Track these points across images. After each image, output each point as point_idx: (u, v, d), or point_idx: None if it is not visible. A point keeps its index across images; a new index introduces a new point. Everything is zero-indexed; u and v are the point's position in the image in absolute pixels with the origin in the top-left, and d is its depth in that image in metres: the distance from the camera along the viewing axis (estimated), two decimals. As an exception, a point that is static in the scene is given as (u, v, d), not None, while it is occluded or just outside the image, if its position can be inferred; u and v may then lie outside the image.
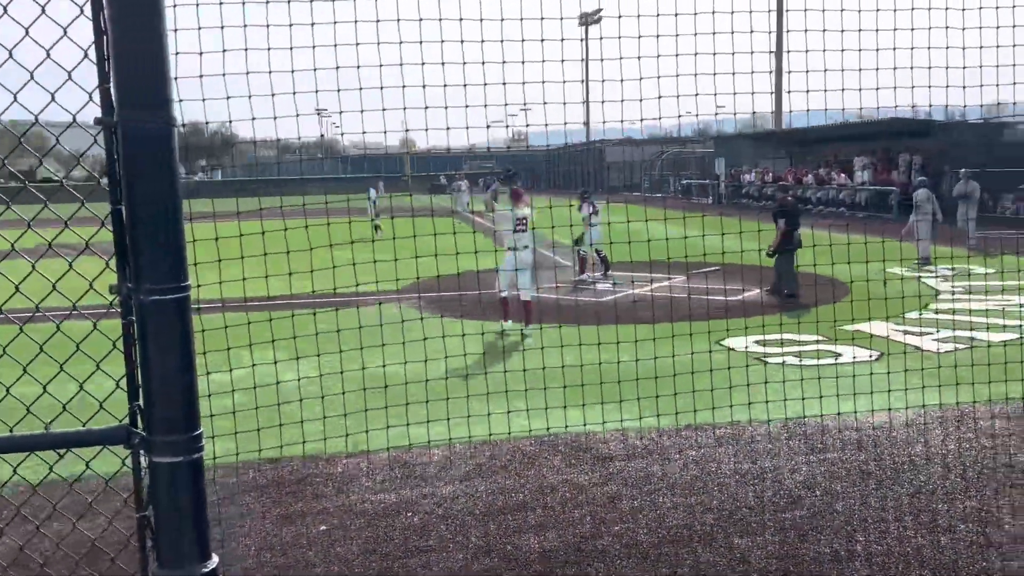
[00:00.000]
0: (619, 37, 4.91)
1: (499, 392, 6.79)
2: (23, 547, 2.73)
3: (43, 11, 1.92)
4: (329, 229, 5.91)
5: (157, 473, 1.97)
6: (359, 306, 7.72)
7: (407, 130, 5.96)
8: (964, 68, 5.55)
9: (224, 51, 4.08)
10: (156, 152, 1.89)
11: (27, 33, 1.93)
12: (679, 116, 5.75)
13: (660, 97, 5.13)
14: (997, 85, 5.91)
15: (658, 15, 4.85)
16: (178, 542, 2.00)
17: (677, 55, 5.04)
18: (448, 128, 4.99)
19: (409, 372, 7.01)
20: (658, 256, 8.65)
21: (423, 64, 4.70)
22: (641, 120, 5.75)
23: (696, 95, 5.31)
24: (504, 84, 4.94)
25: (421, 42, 4.68)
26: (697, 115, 5.96)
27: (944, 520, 5.23)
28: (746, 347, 10.09)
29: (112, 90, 1.88)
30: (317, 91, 4.74)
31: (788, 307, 13.03)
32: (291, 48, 4.33)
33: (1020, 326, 10.82)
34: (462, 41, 4.61)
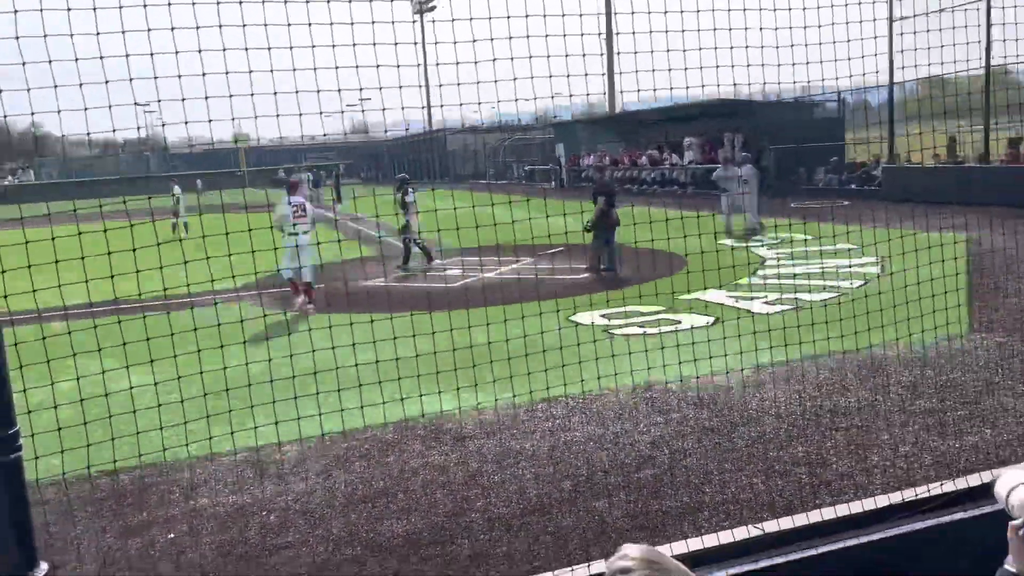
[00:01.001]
0: (452, 20, 4.89)
1: (351, 387, 6.66)
2: None
3: None
4: (155, 228, 5.58)
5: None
6: (193, 307, 7.33)
7: (233, 119, 5.64)
8: (778, 48, 5.93)
9: (17, 38, 3.73)
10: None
11: None
12: (515, 100, 5.81)
13: (496, 81, 5.15)
14: (808, 64, 6.36)
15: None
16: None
17: (510, 38, 5.07)
18: (278, 115, 4.79)
19: (254, 372, 6.76)
20: (505, 240, 8.75)
21: (247, 49, 4.47)
22: (480, 104, 5.75)
23: (531, 78, 5.37)
24: (336, 68, 4.81)
25: (244, 25, 4.45)
26: (535, 100, 6.04)
27: (779, 466, 5.62)
28: (593, 321, 10.42)
29: None
30: (132, 79, 4.41)
31: (621, 282, 13.56)
32: (97, 34, 4.00)
33: (838, 286, 11.78)
34: (289, 25, 4.43)
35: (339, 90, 5.00)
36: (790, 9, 5.73)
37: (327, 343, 6.08)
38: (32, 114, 4.19)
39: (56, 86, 4.04)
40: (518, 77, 5.29)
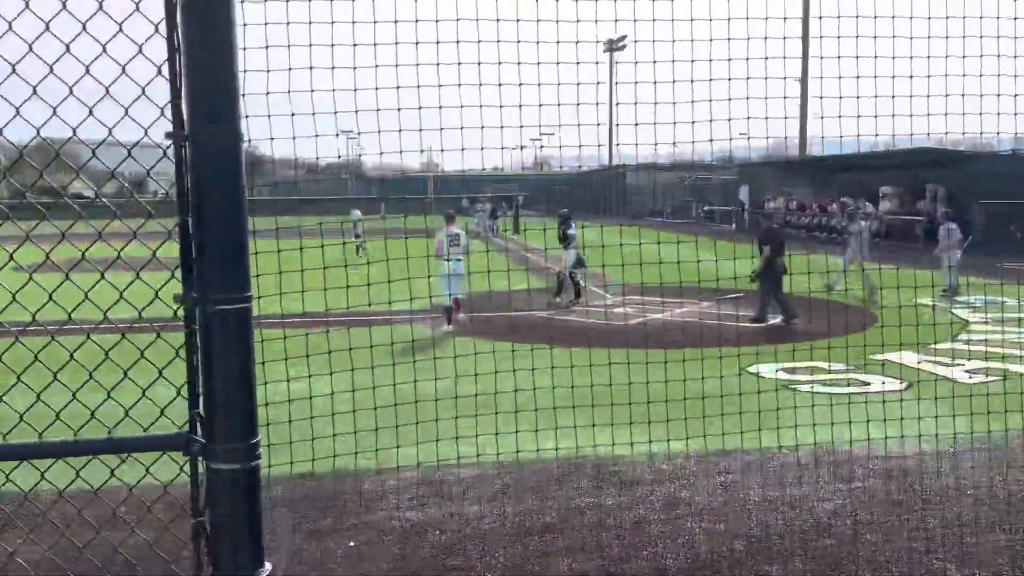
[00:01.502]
0: (640, 62, 4.94)
1: (527, 411, 6.79)
2: (82, 550, 2.77)
3: (120, 29, 1.99)
4: (344, 248, 5.96)
5: (216, 480, 2.01)
6: (391, 323, 7.76)
7: (423, 150, 5.94)
8: (997, 96, 5.53)
9: (245, 71, 4.13)
10: (224, 165, 1.95)
11: (104, 50, 2.00)
12: (711, 141, 5.76)
13: (683, 122, 5.14)
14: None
15: (692, 39, 4.86)
16: (234, 548, 2.04)
17: (690, 81, 5.04)
18: (463, 149, 5.00)
19: (439, 389, 7.03)
20: (677, 279, 8.64)
21: (440, 86, 4.71)
22: (658, 144, 5.75)
23: (714, 120, 5.31)
24: (520, 106, 4.96)
25: (438, 64, 4.68)
26: (711, 140, 5.95)
27: (977, 553, 5.16)
28: (775, 374, 10.03)
29: (183, 105, 1.94)
30: (336, 112, 4.77)
31: (806, 335, 12.95)
32: (310, 68, 4.35)
33: (1052, 359, 10.67)
34: (479, 63, 4.62)
35: (521, 126, 5.17)
36: (998, 56, 5.34)
37: (495, 368, 6.26)
38: (248, 141, 4.66)
39: (269, 115, 4.46)
40: (697, 120, 5.24)
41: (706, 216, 49.40)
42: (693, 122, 5.31)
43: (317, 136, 4.63)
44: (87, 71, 1.99)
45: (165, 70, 1.95)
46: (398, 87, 4.66)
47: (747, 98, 5.27)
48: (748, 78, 5.20)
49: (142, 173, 2.20)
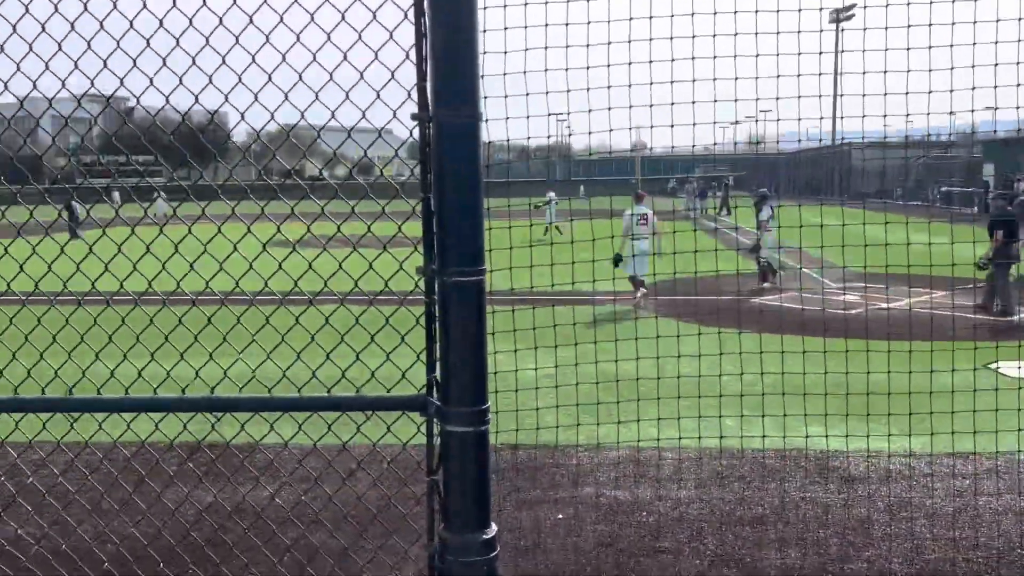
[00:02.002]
0: (870, 29, 4.58)
1: (731, 396, 6.58)
2: (331, 498, 3.05)
3: (374, 16, 2.14)
4: (531, 231, 6.05)
5: (449, 441, 2.13)
6: (594, 304, 7.82)
7: (631, 128, 5.82)
8: None
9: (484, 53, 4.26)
10: (465, 145, 2.04)
11: (360, 38, 2.16)
12: (951, 113, 5.26)
13: (917, 93, 4.72)
14: None
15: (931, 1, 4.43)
16: (463, 507, 2.15)
17: (928, 48, 4.59)
18: (672, 126, 4.88)
19: (642, 370, 6.99)
20: (919, 266, 7.98)
21: (650, 62, 4.61)
22: (885, 116, 5.31)
23: (954, 91, 4.81)
24: (735, 79, 4.76)
25: (650, 40, 4.57)
26: (952, 113, 5.40)
27: None
28: (1020, 372, 9.04)
29: (428, 88, 2.05)
30: (548, 92, 4.80)
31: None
32: (525, 50, 4.40)
33: None
34: (693, 37, 4.49)
35: (735, 100, 4.97)
36: None
37: (699, 351, 6.12)
38: (486, 120, 4.82)
39: (485, 97, 4.56)
40: (935, 90, 4.80)
41: (942, 198, 45.20)
42: (930, 92, 4.88)
43: (529, 117, 4.73)
44: (344, 58, 2.16)
45: (413, 55, 2.06)
46: (608, 64, 4.65)
47: (994, 64, 4.75)
48: (996, 42, 4.68)
49: (389, 154, 2.35)
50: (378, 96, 2.14)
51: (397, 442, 2.16)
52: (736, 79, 4.78)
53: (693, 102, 4.80)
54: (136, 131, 2.49)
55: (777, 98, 4.91)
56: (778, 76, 4.78)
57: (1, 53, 2.33)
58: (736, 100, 4.97)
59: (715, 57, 4.61)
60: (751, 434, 6.58)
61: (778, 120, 5.43)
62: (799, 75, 4.83)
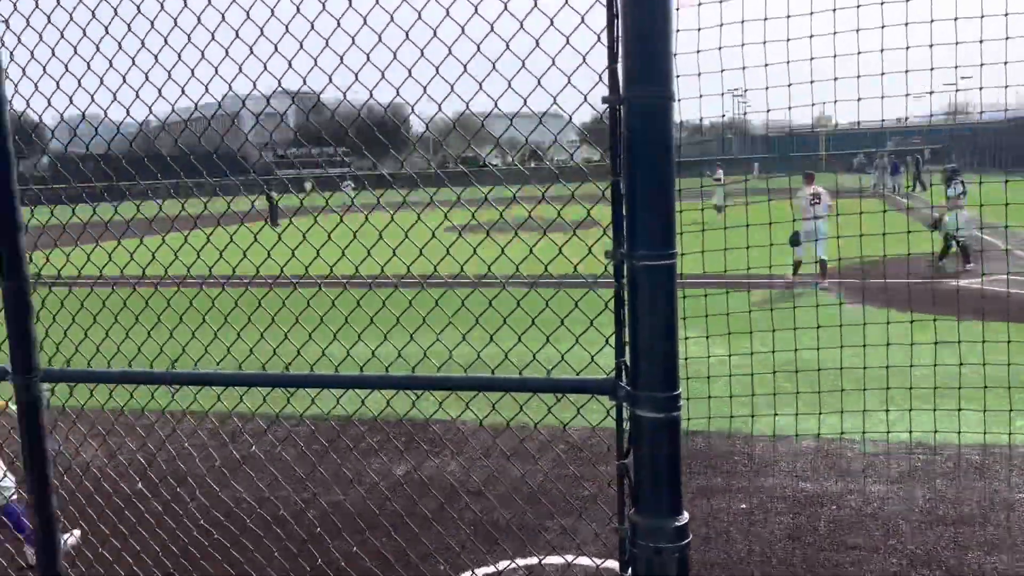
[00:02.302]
0: None
1: (924, 388, 6.10)
2: (523, 476, 3.14)
3: (566, 2, 2.15)
4: (703, 213, 5.80)
5: (638, 426, 2.12)
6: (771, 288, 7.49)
7: (813, 104, 5.45)
8: None
9: (678, 31, 4.16)
10: (656, 126, 2.01)
11: (551, 24, 2.18)
12: None
13: None
14: None
15: None
16: (654, 492, 2.14)
17: None
18: (859, 99, 4.55)
19: (826, 359, 6.65)
20: None
21: (834, 34, 4.31)
22: None
23: None
24: (931, 46, 4.37)
25: (834, 9, 4.28)
26: None
27: None
28: None
29: (619, 70, 2.04)
30: (723, 71, 4.59)
31: None
32: (698, 30, 4.22)
33: None
34: (882, 3, 4.15)
35: (931, 69, 4.56)
36: None
37: (887, 340, 5.72)
38: (678, 100, 4.70)
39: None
40: None
41: None
42: None
43: (701, 97, 4.57)
44: (536, 44, 2.18)
45: (604, 38, 2.06)
46: (787, 39, 4.41)
47: None
48: None
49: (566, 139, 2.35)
50: (569, 81, 2.16)
51: (587, 424, 2.18)
52: (931, 46, 4.41)
53: (882, 73, 4.49)
54: (339, 125, 2.64)
55: (981, 64, 4.49)
56: (981, 41, 4.36)
57: (203, 60, 2.53)
58: (932, 69, 4.60)
59: (907, 24, 4.27)
60: (947, 429, 6.10)
61: (981, 88, 4.97)
62: (1007, 38, 4.39)
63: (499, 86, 2.32)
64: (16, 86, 2.49)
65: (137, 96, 2.61)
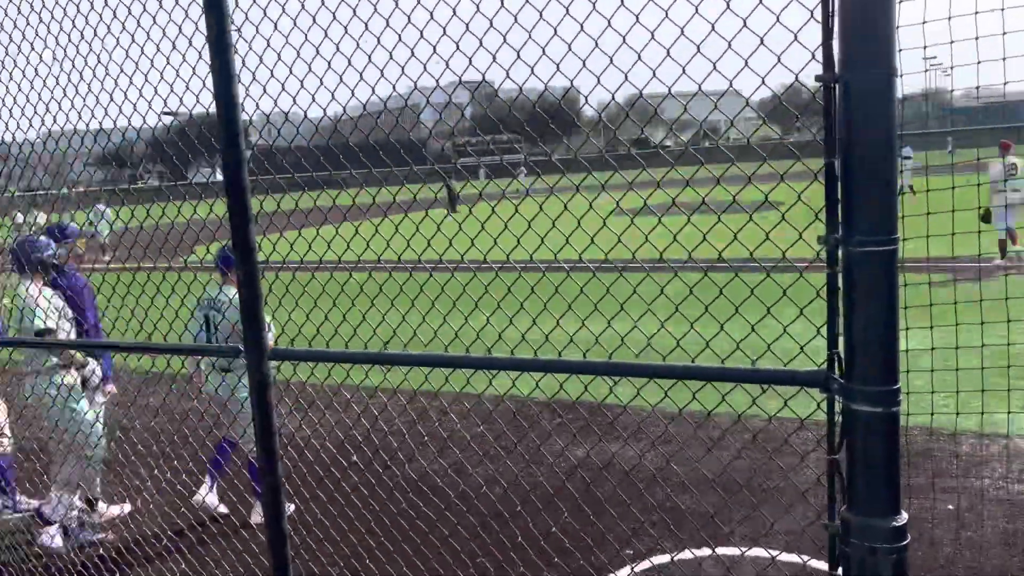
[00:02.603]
0: None
1: None
2: (726, 467, 3.10)
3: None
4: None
5: (853, 421, 2.02)
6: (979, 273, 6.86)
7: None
8: None
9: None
10: (877, 104, 1.90)
11: (761, 1, 2.10)
12: None
13: None
14: None
15: None
16: (869, 490, 2.04)
17: None
18: None
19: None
20: None
21: None
22: None
23: None
24: None
25: None
26: None
27: None
28: None
29: (835, 47, 1.94)
30: (925, 47, 4.21)
31: None
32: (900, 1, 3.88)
33: None
34: None
35: None
36: None
37: None
38: (900, 75, 4.43)
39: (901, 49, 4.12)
40: None
41: None
42: None
43: (902, 76, 4.23)
44: (744, 24, 2.12)
45: (818, 13, 1.97)
46: (1003, 8, 3.98)
47: None
48: None
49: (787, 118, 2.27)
50: (779, 60, 2.08)
51: (795, 417, 2.10)
52: None
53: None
54: (515, 115, 2.69)
55: None
56: None
57: (390, 60, 2.64)
58: None
59: None
60: None
61: None
62: None
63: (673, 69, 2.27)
64: (247, 89, 2.72)
65: (332, 97, 2.78)
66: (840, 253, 2.00)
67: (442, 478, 5.25)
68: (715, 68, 2.24)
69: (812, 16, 2.00)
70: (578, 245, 2.34)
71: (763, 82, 2.12)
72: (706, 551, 4.51)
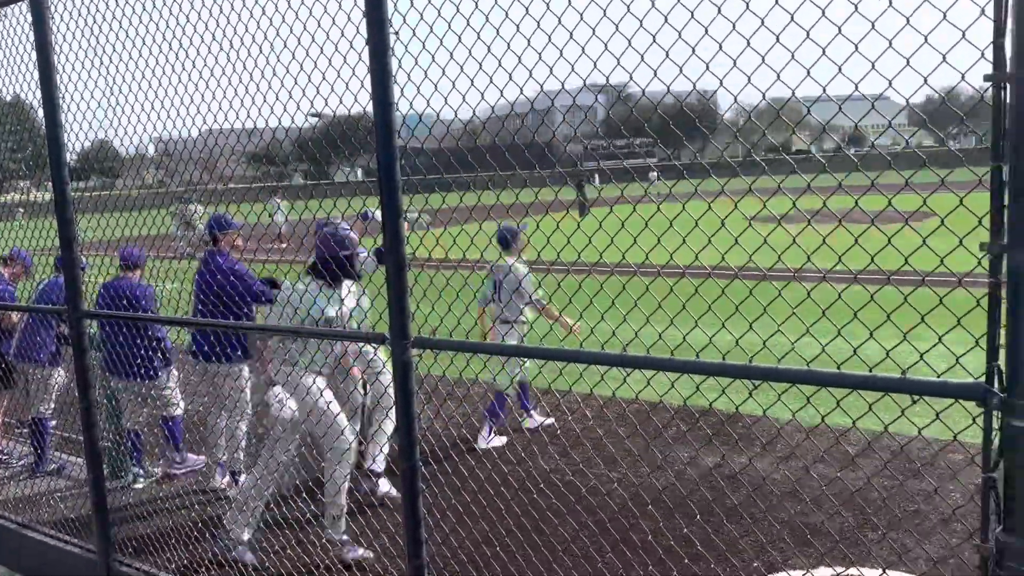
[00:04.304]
0: None
1: None
2: (868, 479, 3.00)
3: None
4: None
5: (1014, 437, 1.92)
6: None
7: None
8: None
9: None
10: (1053, 105, 1.80)
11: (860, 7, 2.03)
12: None
13: None
14: None
15: None
16: (1030, 511, 1.93)
17: None
18: None
19: None
20: None
21: None
22: None
23: None
24: None
25: None
26: None
27: None
28: None
29: (1007, 45, 1.85)
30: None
31: None
32: None
33: None
34: None
35: None
36: None
37: None
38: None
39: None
40: None
41: None
42: None
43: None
44: (907, 22, 2.05)
45: (989, 10, 1.89)
46: None
47: None
48: None
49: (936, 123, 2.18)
50: (944, 59, 1.99)
51: (948, 431, 2.01)
52: None
53: None
54: (637, 116, 2.70)
55: None
56: None
57: (519, 64, 2.70)
58: None
59: None
60: None
61: None
62: None
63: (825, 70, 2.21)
64: (402, 90, 2.86)
65: (463, 99, 2.87)
66: (1005, 262, 1.91)
67: (572, 475, 5.31)
68: (873, 67, 2.17)
69: (983, 13, 1.91)
70: (722, 248, 2.33)
71: (925, 81, 2.04)
72: (838, 569, 4.35)
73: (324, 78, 3.26)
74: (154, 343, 6.04)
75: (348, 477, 4.62)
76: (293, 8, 3.25)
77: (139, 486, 6.19)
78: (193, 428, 6.81)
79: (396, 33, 2.81)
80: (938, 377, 2.06)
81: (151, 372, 6.04)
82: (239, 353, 5.72)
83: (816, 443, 5.87)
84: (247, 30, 3.49)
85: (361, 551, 4.67)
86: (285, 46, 3.36)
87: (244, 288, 5.44)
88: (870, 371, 2.12)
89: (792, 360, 2.22)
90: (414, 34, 2.86)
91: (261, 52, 3.49)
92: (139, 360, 5.87)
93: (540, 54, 2.64)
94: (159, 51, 3.88)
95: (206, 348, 5.67)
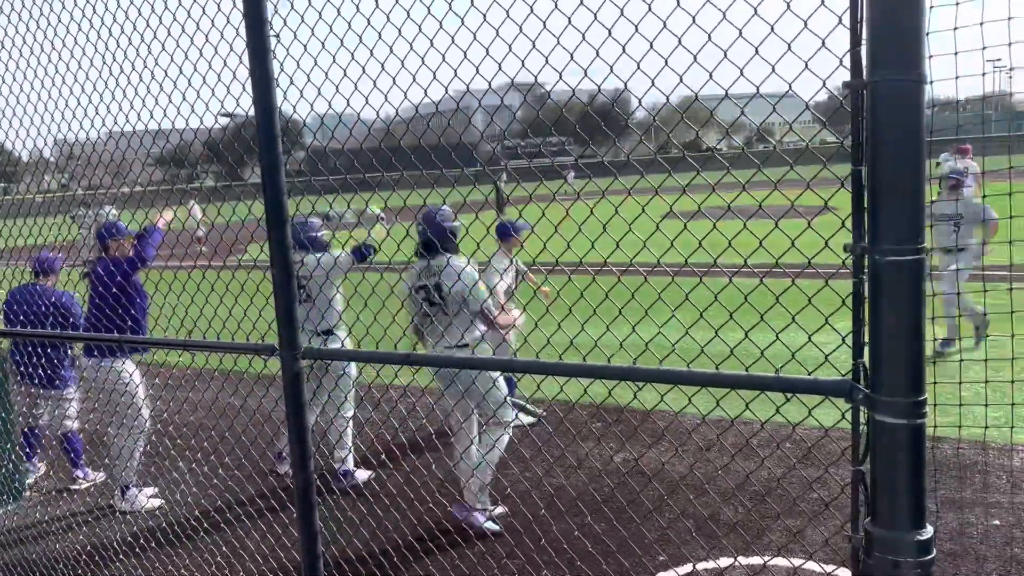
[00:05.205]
0: None
1: None
2: (748, 475, 3.07)
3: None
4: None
5: (878, 432, 1.99)
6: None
7: None
8: None
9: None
10: (905, 111, 1.87)
11: (788, 7, 2.09)
12: None
13: None
14: None
15: None
16: (893, 503, 2.00)
17: None
18: None
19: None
20: None
21: None
22: None
23: None
24: None
25: None
26: None
27: None
28: None
29: (863, 53, 1.92)
30: (984, 48, 4.09)
31: None
32: (957, 3, 3.79)
33: None
34: None
35: None
36: None
37: None
38: (931, 83, 4.33)
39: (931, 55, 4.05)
40: None
41: None
42: None
43: (958, 78, 4.13)
44: (772, 30, 2.10)
45: (846, 19, 1.95)
46: None
47: None
48: None
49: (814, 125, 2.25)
50: (806, 66, 2.05)
51: (819, 426, 2.08)
52: None
53: None
54: (565, 116, 2.71)
55: None
56: None
57: (443, 62, 2.68)
58: None
59: None
60: None
61: None
62: None
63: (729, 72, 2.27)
64: (285, 93, 2.79)
65: (386, 99, 2.83)
66: (866, 262, 1.98)
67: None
68: (774, 70, 2.21)
69: (840, 21, 1.98)
70: (629, 250, 2.34)
71: (824, 85, 2.11)
72: (729, 560, 4.47)
73: (204, 82, 3.16)
74: (64, 353, 6.07)
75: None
76: (179, 21, 3.15)
77: (29, 481, 6.17)
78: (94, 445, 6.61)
79: (277, 36, 2.74)
80: (810, 374, 2.12)
81: (59, 381, 6.08)
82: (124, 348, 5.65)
83: (703, 438, 6.02)
84: (135, 28, 3.37)
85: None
86: (178, 46, 3.25)
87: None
88: (746, 369, 2.17)
89: (674, 361, 2.25)
90: (296, 37, 2.79)
91: (151, 52, 3.37)
92: (50, 371, 5.92)
93: (444, 55, 2.62)
94: (52, 49, 3.74)
95: (100, 346, 5.55)
